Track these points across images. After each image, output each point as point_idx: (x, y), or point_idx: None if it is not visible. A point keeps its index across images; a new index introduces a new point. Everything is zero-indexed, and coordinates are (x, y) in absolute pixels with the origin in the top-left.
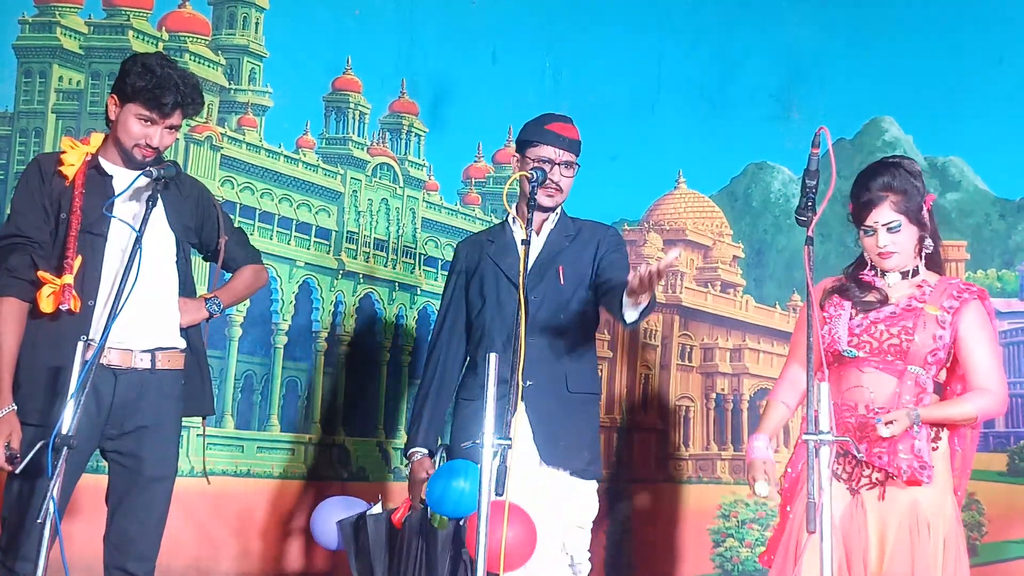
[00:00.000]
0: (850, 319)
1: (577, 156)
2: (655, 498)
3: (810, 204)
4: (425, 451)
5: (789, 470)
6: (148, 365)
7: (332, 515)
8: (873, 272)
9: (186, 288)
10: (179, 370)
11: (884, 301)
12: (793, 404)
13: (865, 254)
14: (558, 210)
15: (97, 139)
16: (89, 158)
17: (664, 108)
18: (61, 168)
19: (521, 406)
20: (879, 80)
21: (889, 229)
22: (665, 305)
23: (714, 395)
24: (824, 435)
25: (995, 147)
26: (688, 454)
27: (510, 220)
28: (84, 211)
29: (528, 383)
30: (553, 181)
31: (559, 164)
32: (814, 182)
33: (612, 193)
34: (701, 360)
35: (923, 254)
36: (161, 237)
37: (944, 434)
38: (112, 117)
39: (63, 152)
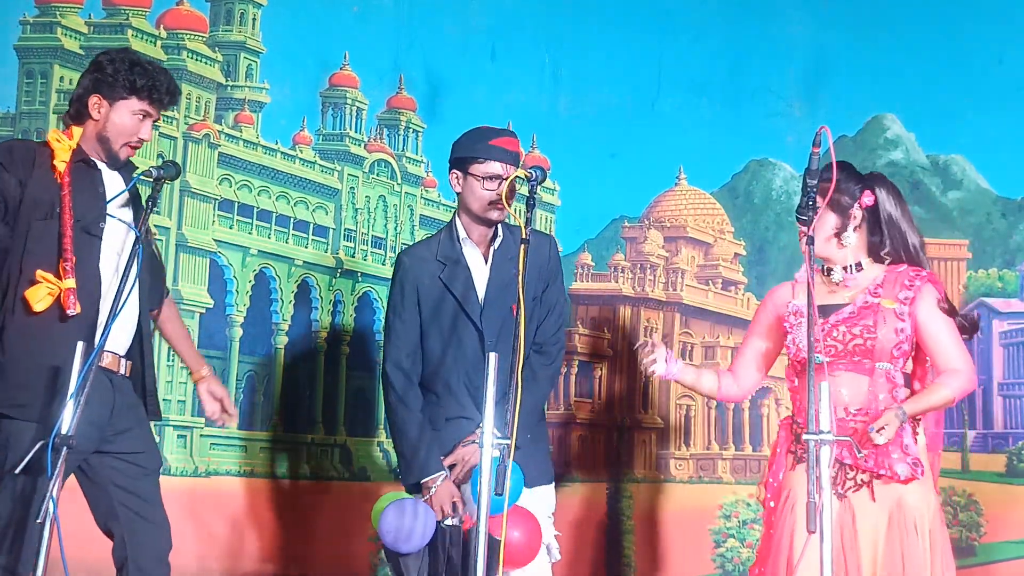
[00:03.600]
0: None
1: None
2: (655, 498)
3: (811, 203)
4: (444, 474)
5: (771, 480)
6: (125, 370)
7: (406, 517)
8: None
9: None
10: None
11: (841, 303)
12: (729, 388)
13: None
14: (499, 229)
15: (78, 133)
16: (75, 151)
17: (665, 104)
18: (55, 162)
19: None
20: (881, 78)
21: None
22: (666, 303)
23: None
24: (824, 435)
25: (997, 146)
26: (689, 454)
27: (460, 239)
28: (76, 209)
29: None
30: (501, 196)
31: (507, 179)
32: (815, 181)
33: (612, 189)
34: (702, 359)
35: (842, 244)
36: (126, 239)
37: (921, 429)
38: (96, 116)
39: (48, 144)
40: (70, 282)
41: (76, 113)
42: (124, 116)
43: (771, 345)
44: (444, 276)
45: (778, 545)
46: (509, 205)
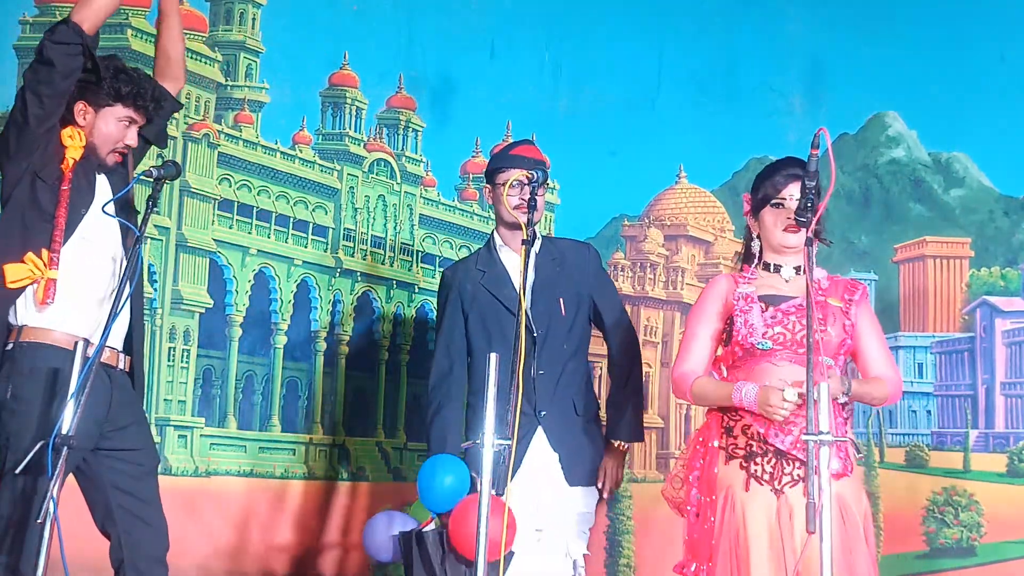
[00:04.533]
0: (762, 311)
1: (546, 176)
2: (655, 498)
3: (809, 205)
4: None
5: (697, 472)
6: (124, 365)
7: (386, 528)
8: (761, 267)
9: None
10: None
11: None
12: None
13: (763, 235)
14: (538, 234)
15: (85, 135)
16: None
17: (665, 103)
18: (65, 153)
19: (540, 431)
20: (883, 75)
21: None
22: (666, 301)
23: None
24: (824, 435)
25: (999, 144)
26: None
27: (497, 247)
28: (72, 205)
29: (543, 412)
30: (525, 199)
31: (530, 185)
32: (813, 183)
33: (612, 188)
34: None
35: (823, 243)
36: (122, 241)
37: (849, 426)
38: (82, 122)
39: (63, 138)
40: (54, 273)
41: (62, 120)
42: (110, 123)
43: (718, 332)
44: (485, 281)
45: (728, 548)
46: (539, 212)
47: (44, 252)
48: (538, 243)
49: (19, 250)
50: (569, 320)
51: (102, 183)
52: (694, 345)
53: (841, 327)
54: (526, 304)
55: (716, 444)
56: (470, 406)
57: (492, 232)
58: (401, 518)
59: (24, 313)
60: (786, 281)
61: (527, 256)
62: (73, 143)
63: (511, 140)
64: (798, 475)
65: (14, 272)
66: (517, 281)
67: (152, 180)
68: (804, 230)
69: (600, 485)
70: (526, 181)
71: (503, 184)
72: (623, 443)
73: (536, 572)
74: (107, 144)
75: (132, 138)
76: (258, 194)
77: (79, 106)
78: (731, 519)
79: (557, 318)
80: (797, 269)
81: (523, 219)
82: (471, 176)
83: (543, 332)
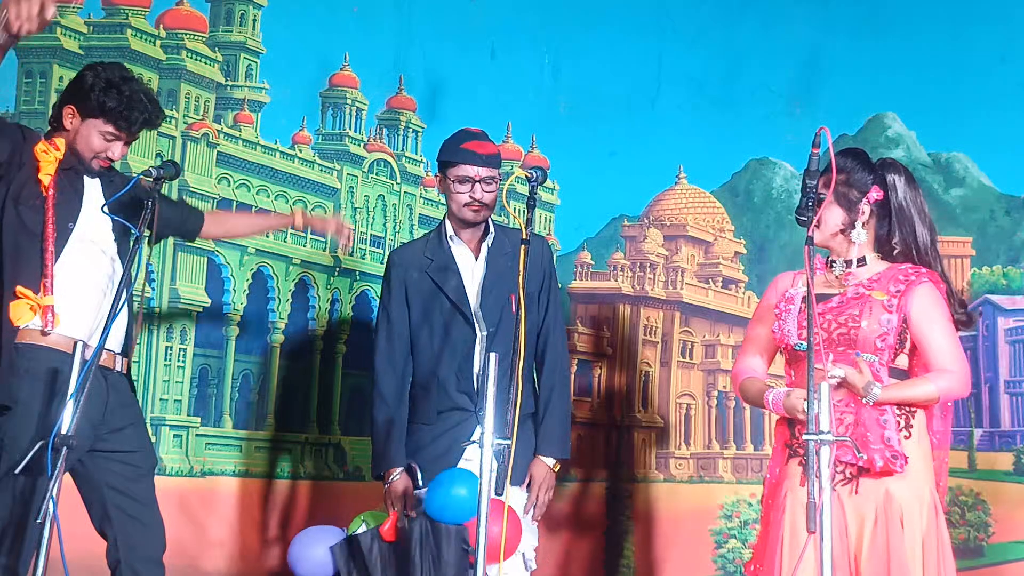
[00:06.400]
0: (799, 312)
1: (498, 169)
2: (655, 498)
3: (810, 204)
4: (402, 468)
5: (768, 476)
6: (121, 367)
7: (313, 545)
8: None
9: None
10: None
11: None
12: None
13: None
14: (491, 227)
15: (63, 144)
16: (61, 161)
17: (664, 103)
18: (39, 176)
19: (478, 429)
20: (882, 76)
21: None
22: (666, 301)
23: (716, 393)
24: (824, 435)
25: (1000, 143)
26: (689, 453)
27: (448, 237)
28: (57, 217)
29: (482, 412)
30: (475, 198)
31: (479, 181)
32: (814, 182)
33: (612, 188)
34: (702, 357)
35: (849, 240)
36: (119, 241)
37: (916, 423)
38: (68, 126)
39: (37, 153)
40: (50, 299)
41: (54, 119)
42: (92, 134)
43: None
44: (432, 272)
45: (772, 541)
46: (490, 208)
47: (39, 278)
48: (491, 237)
49: (15, 276)
50: (518, 317)
51: (91, 187)
52: (748, 345)
53: (877, 321)
54: (475, 301)
55: (784, 443)
56: (412, 398)
57: (443, 219)
58: (329, 532)
59: None
60: (836, 277)
61: (501, 251)
62: (46, 157)
63: (489, 133)
64: (849, 473)
65: (17, 312)
66: (468, 277)
67: (151, 180)
68: (806, 228)
69: (532, 507)
70: (476, 178)
71: (451, 179)
72: (554, 460)
73: None
74: (89, 152)
75: (116, 153)
76: (257, 193)
77: (67, 110)
78: (784, 517)
79: (507, 316)
80: (848, 263)
81: (472, 216)
82: None
83: (492, 331)
